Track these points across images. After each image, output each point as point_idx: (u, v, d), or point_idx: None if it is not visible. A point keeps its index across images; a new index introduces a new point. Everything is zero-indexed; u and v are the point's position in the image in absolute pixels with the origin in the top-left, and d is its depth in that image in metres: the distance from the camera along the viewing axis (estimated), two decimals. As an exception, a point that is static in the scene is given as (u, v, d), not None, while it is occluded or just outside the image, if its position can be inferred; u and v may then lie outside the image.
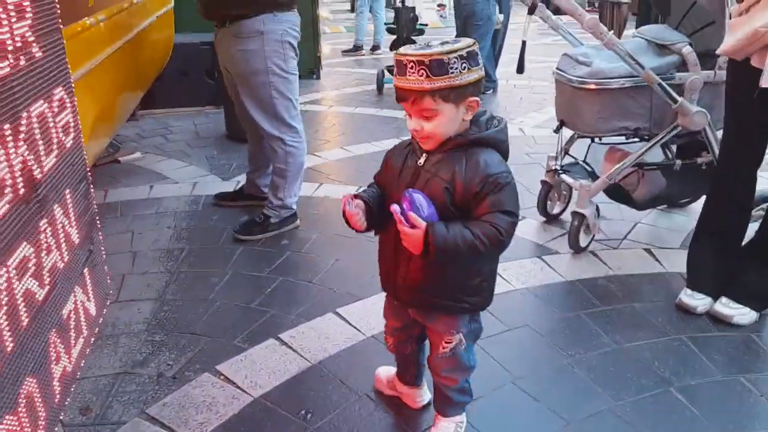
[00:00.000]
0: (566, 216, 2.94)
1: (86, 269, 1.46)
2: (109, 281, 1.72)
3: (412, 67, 1.27)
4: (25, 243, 1.11)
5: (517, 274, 2.55)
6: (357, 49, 8.50)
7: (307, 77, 6.47)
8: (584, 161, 2.96)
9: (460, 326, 1.52)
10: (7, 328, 1.01)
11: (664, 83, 2.41)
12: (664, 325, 2.22)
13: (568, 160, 3.01)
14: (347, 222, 1.40)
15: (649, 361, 2.01)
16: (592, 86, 2.50)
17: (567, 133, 2.92)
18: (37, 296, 1.15)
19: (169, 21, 4.22)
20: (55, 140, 1.30)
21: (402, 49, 1.31)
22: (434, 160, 1.38)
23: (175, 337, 2.16)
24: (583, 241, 2.72)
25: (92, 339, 1.52)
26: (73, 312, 1.35)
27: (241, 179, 3.46)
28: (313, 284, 2.49)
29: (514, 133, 4.61)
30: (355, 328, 2.19)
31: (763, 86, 1.89)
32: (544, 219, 3.05)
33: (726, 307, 2.22)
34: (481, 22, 5.43)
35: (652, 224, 3.04)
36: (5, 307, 1.01)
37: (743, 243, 2.29)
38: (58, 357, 1.25)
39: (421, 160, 1.38)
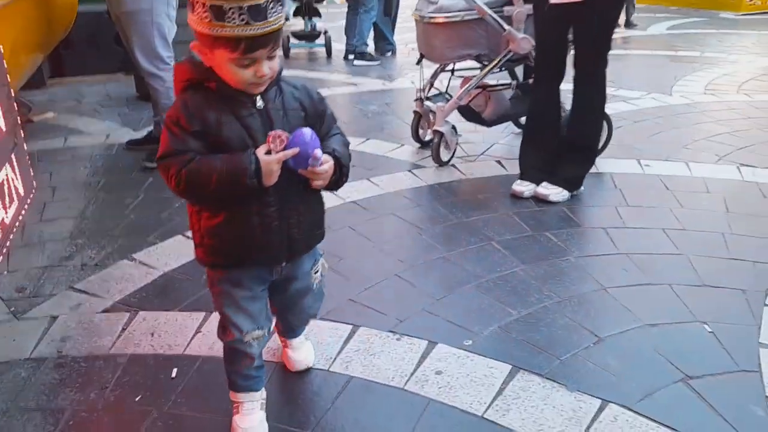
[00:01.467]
0: (434, 138, 3.49)
1: (13, 155, 1.85)
2: (33, 180, 2.10)
3: (272, 7, 1.16)
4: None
5: (390, 182, 3.08)
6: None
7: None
8: (446, 92, 3.52)
9: (318, 251, 1.52)
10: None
11: (494, 15, 2.98)
12: (498, 207, 2.81)
13: (434, 93, 3.56)
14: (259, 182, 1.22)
15: (480, 228, 2.59)
16: (440, 20, 3.04)
17: (433, 68, 3.47)
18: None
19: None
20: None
21: None
22: (270, 97, 1.28)
23: (96, 240, 2.55)
24: (444, 155, 3.28)
25: (21, 213, 1.91)
26: (5, 181, 1.74)
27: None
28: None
29: (407, 85, 5.20)
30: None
31: (552, 2, 2.47)
32: (418, 145, 3.60)
33: (545, 189, 2.83)
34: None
35: (506, 143, 3.65)
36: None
37: (557, 140, 2.90)
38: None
39: (259, 103, 1.25)
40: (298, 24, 7.00)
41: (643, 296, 2.08)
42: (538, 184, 2.87)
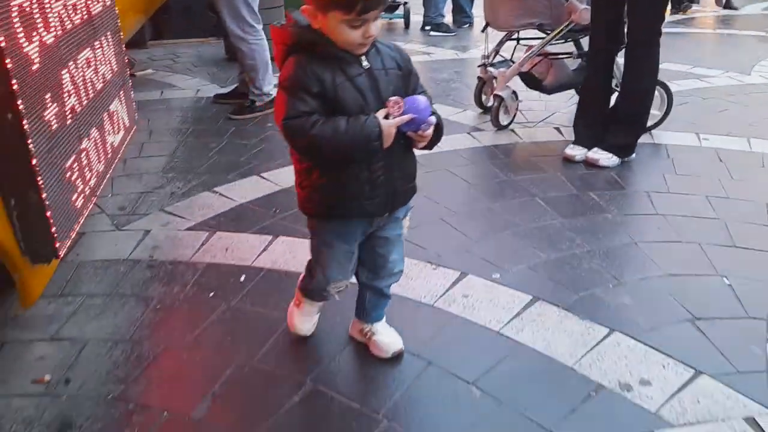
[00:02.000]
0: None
1: (122, 91, 2.21)
2: (135, 113, 2.48)
3: None
4: (88, 49, 1.86)
5: (449, 142, 3.29)
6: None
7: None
8: (510, 59, 3.65)
9: (411, 203, 1.57)
10: (81, 99, 1.77)
11: (557, -14, 3.10)
12: (548, 169, 2.96)
13: (500, 60, 3.70)
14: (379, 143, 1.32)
15: (526, 186, 2.76)
16: (506, -10, 3.19)
17: (498, 36, 3.62)
18: (96, 85, 1.91)
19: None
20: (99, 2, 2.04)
21: None
22: (373, 56, 1.37)
23: (184, 175, 2.93)
24: (503, 119, 3.44)
25: (125, 141, 2.28)
26: (115, 111, 2.10)
27: (237, 84, 4.20)
28: (268, 135, 3.25)
29: (478, 56, 5.32)
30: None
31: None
32: (480, 110, 3.77)
33: (595, 153, 2.95)
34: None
35: (567, 112, 3.75)
36: (80, 84, 1.77)
37: (608, 108, 3.00)
38: (105, 135, 2.01)
39: (365, 63, 1.35)
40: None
41: (671, 251, 2.21)
42: (590, 149, 2.99)
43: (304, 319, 1.73)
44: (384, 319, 1.71)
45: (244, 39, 3.59)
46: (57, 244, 1.54)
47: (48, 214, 1.50)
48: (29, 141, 1.41)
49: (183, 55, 5.50)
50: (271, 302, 1.93)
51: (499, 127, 3.44)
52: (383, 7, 1.28)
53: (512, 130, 3.47)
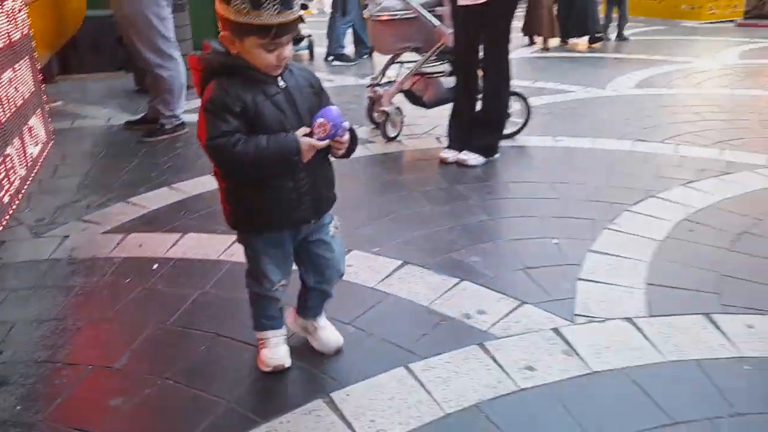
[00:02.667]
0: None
1: (39, 109, 2.49)
2: (51, 131, 2.74)
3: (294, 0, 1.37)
4: (10, 70, 2.15)
5: (342, 152, 3.71)
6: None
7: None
8: (395, 80, 4.16)
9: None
10: (5, 113, 2.06)
11: (427, 13, 3.64)
12: (426, 169, 3.45)
13: (386, 80, 4.20)
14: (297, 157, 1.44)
15: (407, 183, 3.23)
16: (384, 17, 3.70)
17: (386, 60, 4.12)
18: (17, 101, 2.19)
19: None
20: (18, 30, 2.33)
21: None
22: (287, 77, 1.49)
23: (98, 190, 3.18)
24: (390, 132, 3.92)
25: (42, 154, 2.55)
26: (34, 126, 2.38)
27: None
28: (196, 157, 3.56)
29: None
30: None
31: (459, 4, 3.13)
32: (372, 125, 4.24)
33: (464, 155, 3.47)
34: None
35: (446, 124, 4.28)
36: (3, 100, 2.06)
37: (472, 116, 3.54)
38: (26, 145, 2.29)
39: (281, 83, 1.47)
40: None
41: (516, 224, 2.72)
42: (460, 151, 3.50)
43: (276, 350, 1.75)
44: (323, 311, 1.83)
45: (163, 66, 3.91)
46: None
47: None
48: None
49: (92, 88, 5.70)
50: (180, 282, 2.25)
51: (388, 139, 3.92)
52: (295, 32, 1.40)
53: (399, 141, 3.95)
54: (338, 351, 1.81)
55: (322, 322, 1.83)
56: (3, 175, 1.97)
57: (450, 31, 3.69)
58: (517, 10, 3.38)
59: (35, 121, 2.42)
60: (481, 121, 3.48)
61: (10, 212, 1.99)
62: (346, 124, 1.47)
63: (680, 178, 3.16)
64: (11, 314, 2.07)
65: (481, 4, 3.15)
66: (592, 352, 1.81)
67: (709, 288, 2.15)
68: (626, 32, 8.54)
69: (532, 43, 8.04)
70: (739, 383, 1.69)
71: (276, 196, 1.50)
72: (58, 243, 2.58)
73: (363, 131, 4.17)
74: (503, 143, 3.70)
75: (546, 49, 7.60)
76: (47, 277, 2.32)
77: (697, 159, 3.50)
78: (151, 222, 2.79)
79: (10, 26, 2.25)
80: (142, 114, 4.42)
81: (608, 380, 1.70)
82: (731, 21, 10.60)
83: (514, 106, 3.86)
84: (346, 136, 1.50)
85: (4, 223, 1.99)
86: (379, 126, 4.03)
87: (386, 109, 3.84)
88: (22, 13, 2.40)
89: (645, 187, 3.03)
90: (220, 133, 1.39)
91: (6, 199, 1.98)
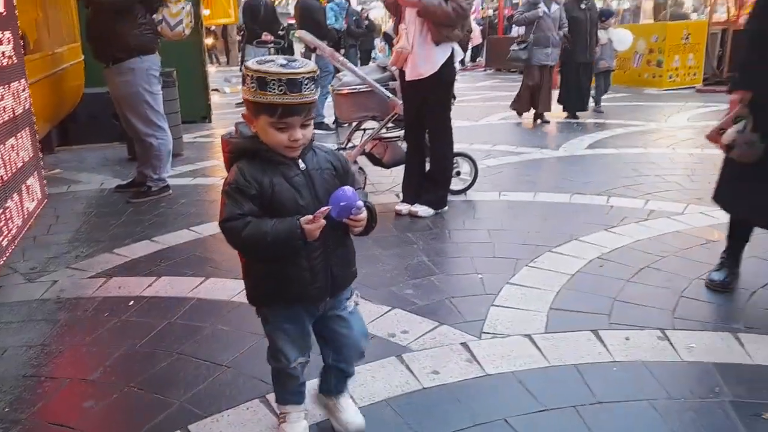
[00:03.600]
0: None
1: (36, 171, 2.93)
2: (46, 190, 3.17)
3: (307, 83, 1.41)
4: (12, 138, 2.60)
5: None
6: (248, 101, 10.23)
7: (200, 122, 8.07)
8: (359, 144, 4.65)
9: (353, 287, 1.72)
10: (7, 172, 2.49)
11: (381, 87, 4.16)
12: (383, 221, 3.82)
13: (351, 146, 4.69)
14: (301, 241, 1.46)
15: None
16: (345, 91, 4.22)
17: (350, 128, 4.62)
18: (17, 164, 2.63)
19: (79, 71, 5.68)
20: (21, 106, 2.80)
21: (283, 69, 1.41)
22: (309, 159, 1.53)
23: (87, 243, 3.57)
24: (354, 189, 4.36)
25: (37, 210, 2.96)
26: (31, 185, 2.81)
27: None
28: (177, 215, 3.98)
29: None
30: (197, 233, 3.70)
31: (407, 80, 3.64)
32: (341, 185, 4.69)
33: (415, 207, 3.90)
34: (323, 74, 7.24)
35: (408, 183, 4.74)
36: (7, 161, 2.49)
37: (422, 173, 3.99)
38: (23, 200, 2.71)
39: (302, 165, 1.51)
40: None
41: (449, 262, 3.12)
42: (412, 204, 3.93)
43: (295, 426, 1.75)
44: (346, 390, 1.82)
45: (153, 135, 4.41)
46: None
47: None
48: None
49: (89, 157, 6.18)
50: (151, 315, 2.61)
51: (351, 196, 4.35)
52: (307, 116, 1.45)
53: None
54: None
55: (344, 402, 1.81)
56: (3, 223, 2.37)
57: (400, 102, 4.21)
58: (455, 83, 3.89)
59: (32, 181, 2.84)
60: (430, 179, 3.93)
61: (7, 254, 2.37)
62: (360, 203, 1.46)
63: (604, 224, 3.58)
64: (4, 341, 2.42)
65: (422, 79, 3.67)
66: (489, 360, 2.17)
67: (603, 310, 2.52)
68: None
69: (519, 115, 8.07)
70: (605, 380, 2.04)
71: (290, 273, 1.53)
72: (48, 286, 2.95)
73: (331, 190, 4.61)
74: (454, 197, 4.15)
75: (545, 121, 7.72)
76: (37, 312, 2.68)
77: (623, 208, 3.93)
78: (131, 269, 3.17)
79: (14, 103, 2.72)
80: (131, 179, 4.87)
81: (498, 380, 2.05)
82: (692, 87, 11.35)
83: (463, 166, 4.33)
84: (363, 215, 1.49)
85: (1, 263, 2.37)
86: (345, 185, 4.47)
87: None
88: (25, 92, 2.87)
89: (570, 232, 3.44)
90: (233, 216, 1.46)
91: (4, 243, 2.37)
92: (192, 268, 3.11)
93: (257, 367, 2.13)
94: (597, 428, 1.80)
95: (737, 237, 2.76)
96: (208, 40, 16.34)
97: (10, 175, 2.53)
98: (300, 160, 1.51)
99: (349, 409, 1.80)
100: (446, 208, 3.98)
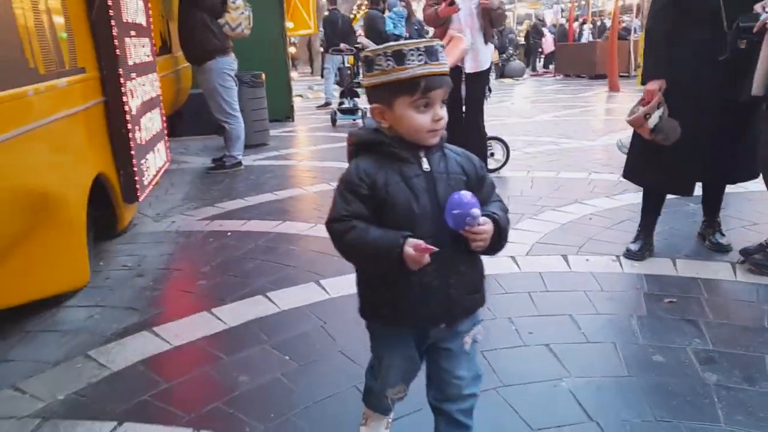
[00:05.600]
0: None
1: (163, 139, 4.03)
2: (169, 156, 4.29)
3: (441, 51, 1.29)
4: (149, 112, 3.69)
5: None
6: (326, 104, 11.37)
7: (284, 120, 9.25)
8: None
9: (479, 316, 1.48)
10: (149, 135, 3.58)
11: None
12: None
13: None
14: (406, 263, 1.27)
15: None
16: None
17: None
18: (154, 131, 3.71)
19: (188, 74, 6.92)
20: (155, 90, 3.90)
21: (409, 41, 1.30)
22: (436, 160, 1.35)
23: (197, 196, 4.66)
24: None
25: (165, 167, 4.07)
26: (160, 148, 3.90)
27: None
28: (263, 184, 5.01)
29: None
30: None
31: (468, 72, 4.50)
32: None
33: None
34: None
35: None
36: (148, 128, 3.58)
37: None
38: (157, 157, 3.80)
39: (425, 166, 1.34)
40: (344, 102, 9.36)
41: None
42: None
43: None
44: None
45: (227, 121, 5.59)
46: (139, 195, 3.27)
47: (136, 180, 3.24)
48: (132, 146, 3.18)
49: (192, 146, 7.44)
50: (243, 240, 3.60)
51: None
52: (448, 88, 1.31)
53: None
54: None
55: None
56: (146, 169, 3.45)
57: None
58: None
59: (161, 146, 3.93)
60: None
61: (148, 190, 3.45)
62: (476, 212, 1.26)
63: (607, 193, 4.28)
64: (143, 252, 3.48)
65: (478, 72, 4.51)
66: (478, 267, 2.99)
67: (576, 244, 3.26)
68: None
69: None
70: (560, 281, 2.81)
71: (399, 289, 1.35)
72: (168, 225, 4.02)
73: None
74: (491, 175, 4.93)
75: None
76: (163, 237, 3.74)
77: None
78: (228, 216, 4.20)
79: (150, 89, 3.81)
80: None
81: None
82: None
83: (496, 148, 5.12)
84: (485, 228, 1.29)
85: (146, 193, 3.46)
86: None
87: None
88: (156, 82, 3.98)
89: (576, 198, 4.16)
90: (339, 216, 1.33)
91: (146, 182, 3.44)
92: (273, 216, 4.10)
93: (316, 266, 3.06)
94: (542, 304, 2.58)
95: (651, 211, 3.15)
96: (292, 49, 17.78)
97: (150, 137, 3.61)
98: (425, 159, 1.35)
99: None
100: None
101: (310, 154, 6.60)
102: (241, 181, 5.30)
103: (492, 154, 5.10)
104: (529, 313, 2.49)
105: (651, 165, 3.01)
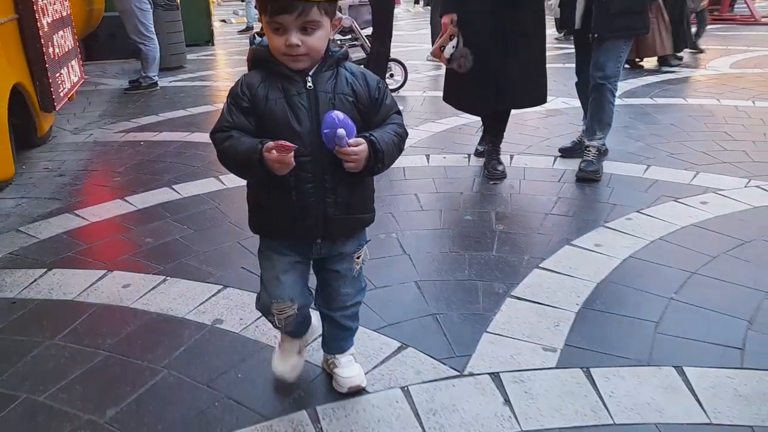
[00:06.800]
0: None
1: (76, 58, 4.35)
2: (83, 75, 4.61)
3: None
4: (61, 31, 4.01)
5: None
6: (248, 29, 11.48)
7: (203, 44, 9.40)
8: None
9: (365, 237, 1.52)
10: (62, 51, 3.92)
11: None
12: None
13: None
14: (271, 169, 1.28)
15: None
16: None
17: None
18: (66, 48, 4.05)
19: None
20: (65, 10, 4.19)
21: None
22: (324, 79, 1.35)
23: (114, 112, 5.02)
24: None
25: (76, 86, 4.41)
26: (73, 65, 4.24)
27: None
28: (176, 102, 5.39)
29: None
30: (190, 110, 5.13)
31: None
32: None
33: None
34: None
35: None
36: (61, 44, 3.91)
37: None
38: (70, 72, 4.14)
39: (309, 84, 1.33)
40: (263, 28, 9.60)
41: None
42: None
43: (282, 357, 1.68)
44: (348, 350, 1.67)
45: (142, 43, 5.93)
46: (55, 104, 3.66)
47: (51, 90, 3.62)
48: (45, 59, 3.54)
49: (109, 69, 7.60)
50: (155, 147, 4.07)
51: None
52: (301, 16, 1.25)
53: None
54: (354, 390, 1.63)
55: (343, 360, 1.65)
56: (60, 82, 3.82)
57: (346, 16, 5.51)
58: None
59: (74, 63, 4.26)
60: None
61: (62, 103, 3.84)
62: (341, 132, 1.26)
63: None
64: (64, 158, 3.89)
65: None
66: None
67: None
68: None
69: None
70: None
71: (277, 203, 1.38)
72: (87, 137, 4.41)
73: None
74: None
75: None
76: (82, 147, 4.15)
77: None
78: (142, 129, 4.61)
79: (61, 8, 4.10)
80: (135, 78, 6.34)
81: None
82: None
83: (396, 70, 5.67)
84: (360, 148, 1.30)
85: (61, 103, 3.84)
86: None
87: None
88: (67, 2, 4.27)
89: (455, 112, 4.81)
90: (220, 127, 1.35)
91: (62, 95, 3.82)
92: (184, 128, 4.55)
93: (218, 166, 3.59)
94: (397, 187, 3.23)
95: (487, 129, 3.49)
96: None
97: (63, 54, 3.96)
98: (309, 78, 1.34)
99: (347, 367, 1.64)
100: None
101: (227, 75, 6.95)
102: (156, 100, 5.66)
103: (392, 75, 5.65)
104: (385, 193, 3.13)
105: (458, 91, 3.36)
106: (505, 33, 3.10)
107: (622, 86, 5.53)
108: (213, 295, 2.16)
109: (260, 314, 1.59)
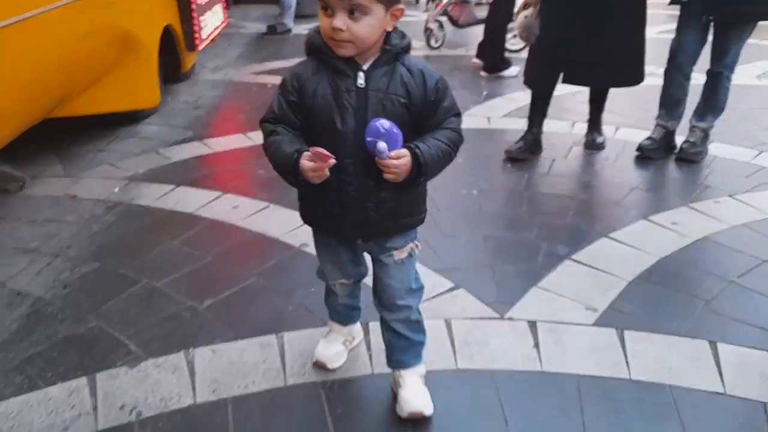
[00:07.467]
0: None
1: (220, 4, 4.82)
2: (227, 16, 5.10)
3: None
4: (211, -22, 4.47)
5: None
6: None
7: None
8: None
9: (414, 234, 1.48)
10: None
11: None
12: (460, 66, 5.37)
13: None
14: (302, 178, 1.26)
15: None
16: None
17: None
18: (212, -6, 4.52)
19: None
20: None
21: None
22: (378, 75, 1.27)
23: (250, 60, 5.51)
24: (433, 43, 5.84)
25: (220, 28, 4.90)
26: (218, 9, 4.71)
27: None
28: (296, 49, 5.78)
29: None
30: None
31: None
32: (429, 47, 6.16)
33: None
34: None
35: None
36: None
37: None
38: (215, 16, 4.62)
39: (360, 81, 1.25)
40: None
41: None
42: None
43: (327, 344, 1.70)
44: (412, 367, 1.55)
45: None
46: (197, 45, 4.15)
47: (195, 32, 4.10)
48: (192, 5, 4.01)
49: (252, 13, 8.18)
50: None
51: (431, 48, 5.84)
52: (354, 3, 1.18)
53: (439, 51, 5.88)
54: (412, 418, 1.50)
55: (408, 379, 1.55)
56: (206, 25, 4.30)
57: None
58: None
59: (218, 8, 4.76)
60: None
61: (206, 43, 4.32)
62: (382, 145, 1.22)
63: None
64: (202, 93, 4.40)
65: None
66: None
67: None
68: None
69: None
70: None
71: (319, 200, 1.37)
72: (223, 76, 4.91)
73: (421, 52, 6.13)
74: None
75: None
76: (219, 84, 4.65)
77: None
78: (271, 73, 5.02)
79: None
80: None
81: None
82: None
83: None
84: (401, 161, 1.24)
85: (205, 43, 4.33)
86: (425, 35, 5.94)
87: (431, 26, 5.77)
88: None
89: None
90: (267, 118, 1.33)
91: (205, 37, 4.30)
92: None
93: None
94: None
95: (537, 112, 3.27)
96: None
97: (207, 0, 4.44)
98: (362, 74, 1.27)
99: (412, 388, 1.53)
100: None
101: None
102: (287, 46, 6.08)
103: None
104: (475, 151, 3.28)
105: (531, 66, 3.24)
106: (592, 8, 2.90)
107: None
108: (303, 224, 2.48)
109: None
